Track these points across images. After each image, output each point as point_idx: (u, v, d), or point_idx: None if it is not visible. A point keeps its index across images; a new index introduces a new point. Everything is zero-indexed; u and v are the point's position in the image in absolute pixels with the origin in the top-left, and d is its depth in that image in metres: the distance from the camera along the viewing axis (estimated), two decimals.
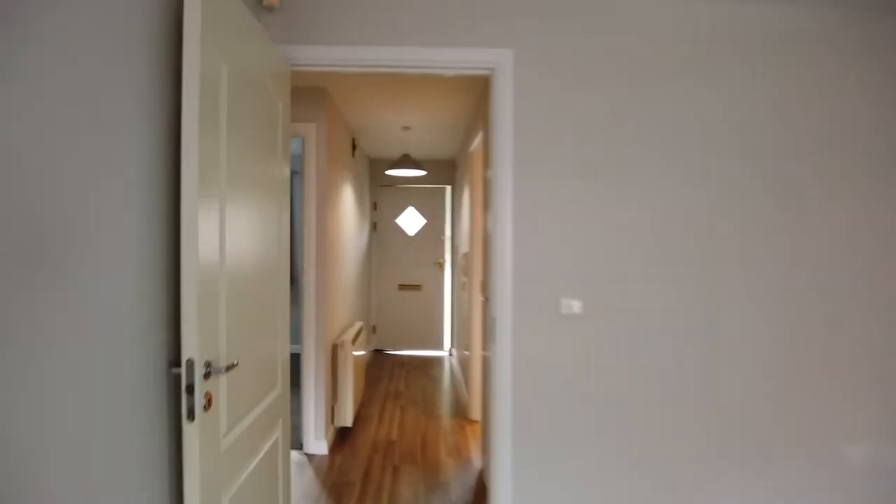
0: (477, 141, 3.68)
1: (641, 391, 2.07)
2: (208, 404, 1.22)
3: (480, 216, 4.03)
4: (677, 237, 2.08)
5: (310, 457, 3.29)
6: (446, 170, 6.43)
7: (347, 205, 4.41)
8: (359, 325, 4.34)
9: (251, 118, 1.54)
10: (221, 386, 1.32)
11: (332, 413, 3.61)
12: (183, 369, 1.17)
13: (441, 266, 6.52)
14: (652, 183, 2.07)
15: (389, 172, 4.65)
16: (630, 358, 2.07)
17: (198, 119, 1.18)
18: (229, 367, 1.32)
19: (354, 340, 3.84)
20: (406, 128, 4.48)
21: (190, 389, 1.17)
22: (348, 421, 3.63)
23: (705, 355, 2.08)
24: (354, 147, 4.62)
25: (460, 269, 4.84)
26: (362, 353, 4.34)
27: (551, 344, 2.05)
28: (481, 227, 4.03)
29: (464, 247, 4.74)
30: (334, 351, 3.64)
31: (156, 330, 1.21)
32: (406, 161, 4.45)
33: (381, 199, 6.54)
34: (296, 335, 5.77)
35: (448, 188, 6.52)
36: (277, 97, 1.80)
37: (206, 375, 1.22)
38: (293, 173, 3.32)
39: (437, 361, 6.07)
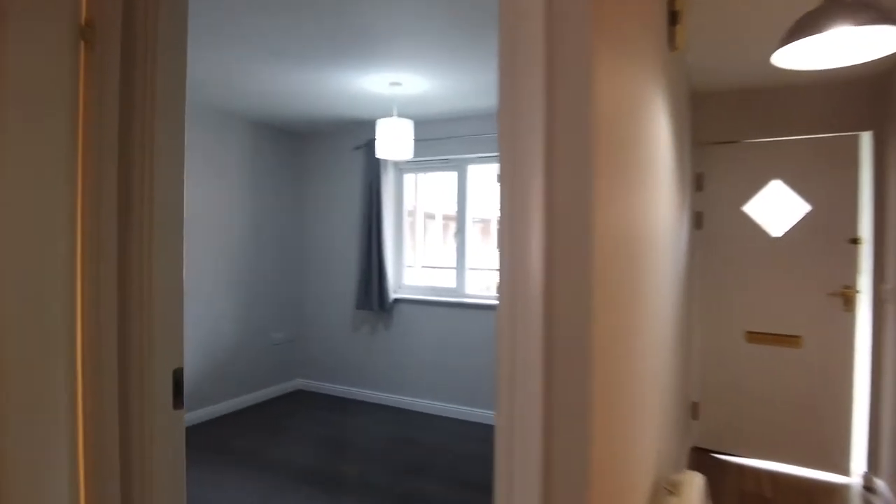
0: None
1: None
2: None
3: None
4: None
5: None
6: (861, 97, 3.03)
7: (656, 161, 1.72)
8: (698, 486, 1.60)
9: None
10: None
11: None
12: None
13: (850, 300, 3.14)
14: None
15: (779, 56, 1.72)
16: None
17: None
18: None
19: None
20: None
21: None
22: None
23: None
24: (675, 27, 1.90)
25: None
26: None
27: None
28: None
29: None
30: None
31: None
32: (840, 8, 1.47)
33: (710, 169, 3.56)
34: None
35: (866, 136, 3.10)
36: None
37: None
38: None
39: None
